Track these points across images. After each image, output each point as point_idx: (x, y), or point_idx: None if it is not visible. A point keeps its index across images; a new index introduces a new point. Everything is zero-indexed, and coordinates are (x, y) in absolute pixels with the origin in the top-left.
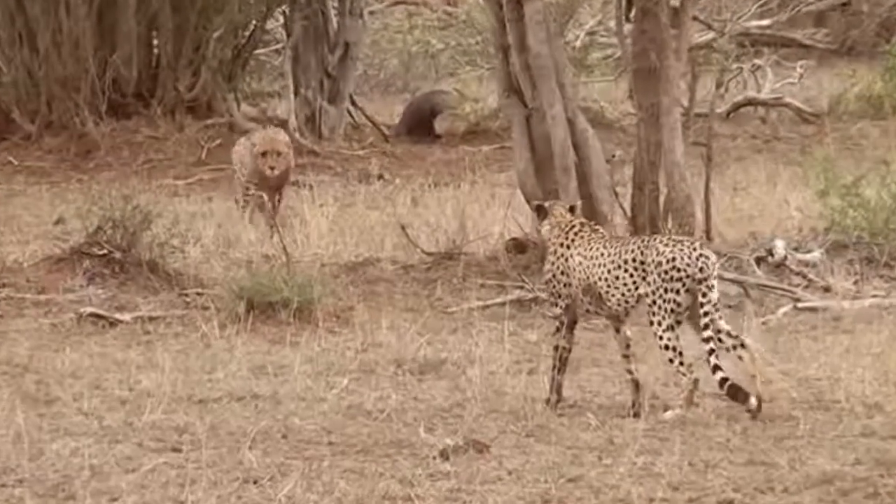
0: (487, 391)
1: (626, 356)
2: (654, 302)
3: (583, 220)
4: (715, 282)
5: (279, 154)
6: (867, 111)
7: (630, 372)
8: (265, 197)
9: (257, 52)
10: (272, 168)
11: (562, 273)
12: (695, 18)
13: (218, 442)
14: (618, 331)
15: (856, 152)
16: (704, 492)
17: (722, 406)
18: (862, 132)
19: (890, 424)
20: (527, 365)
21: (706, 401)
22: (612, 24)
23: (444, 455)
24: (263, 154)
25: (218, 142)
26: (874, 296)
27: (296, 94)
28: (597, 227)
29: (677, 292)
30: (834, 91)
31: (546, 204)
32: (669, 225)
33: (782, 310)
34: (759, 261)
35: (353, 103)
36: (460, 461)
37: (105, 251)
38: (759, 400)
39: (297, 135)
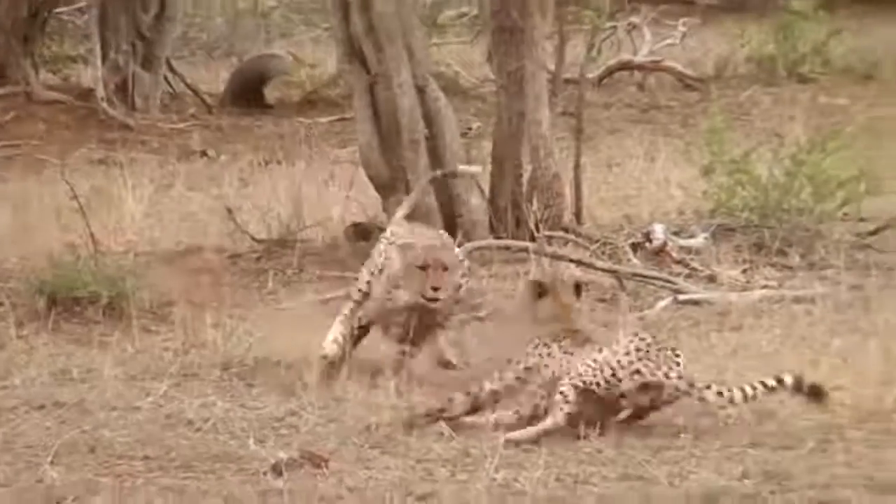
0: (326, 398)
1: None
2: None
3: None
4: None
5: (445, 270)
6: (758, 76)
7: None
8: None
9: (58, 10)
10: (435, 291)
11: None
12: None
13: (14, 456)
14: None
15: (745, 123)
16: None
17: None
18: (752, 100)
19: (782, 433)
20: (371, 368)
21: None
22: None
23: (276, 470)
24: (423, 268)
25: (12, 114)
26: (764, 287)
27: (103, 59)
28: None
29: None
30: (721, 53)
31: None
32: (534, 206)
33: (661, 303)
34: (635, 247)
35: (171, 69)
36: (295, 477)
37: None
38: None
39: (105, 105)
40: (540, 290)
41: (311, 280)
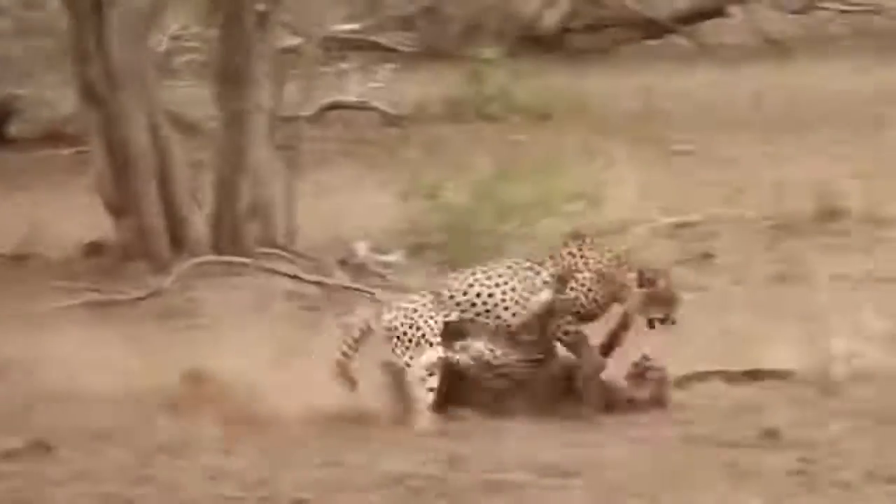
0: (57, 392)
1: None
2: None
3: None
4: None
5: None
6: (450, 115)
7: None
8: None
9: None
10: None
11: None
12: (281, 23)
13: None
14: None
15: (438, 156)
16: (277, 491)
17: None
18: (445, 136)
19: (460, 427)
20: (101, 364)
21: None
22: (197, 28)
23: (7, 456)
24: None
25: None
26: None
27: None
28: None
29: None
30: (418, 95)
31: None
32: (253, 228)
33: (361, 309)
34: (341, 263)
35: None
36: (25, 463)
37: None
38: None
39: None
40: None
41: (47, 291)
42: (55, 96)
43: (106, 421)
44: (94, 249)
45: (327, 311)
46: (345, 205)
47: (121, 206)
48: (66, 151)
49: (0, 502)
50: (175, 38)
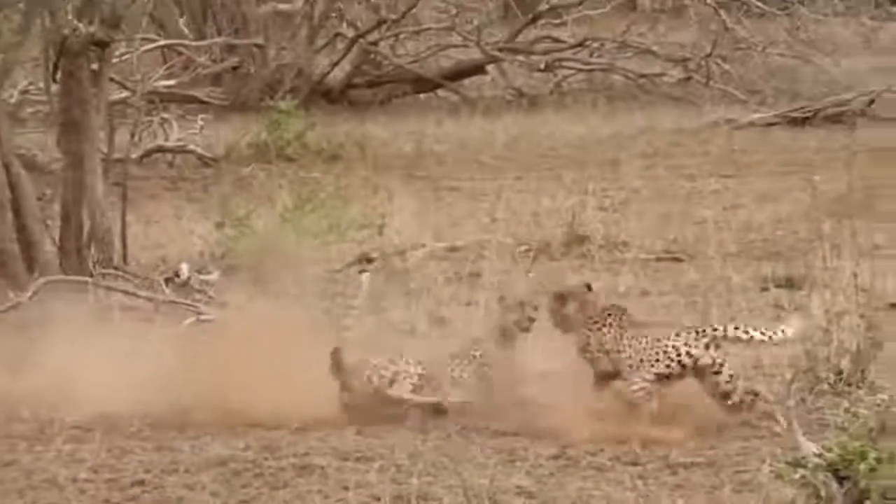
0: None
1: None
2: None
3: None
4: None
5: None
6: (256, 156)
7: None
8: None
9: None
10: None
11: None
12: (112, 79)
13: None
14: None
15: (247, 191)
16: (121, 473)
17: (135, 400)
18: (252, 174)
19: (275, 416)
20: None
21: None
22: (42, 83)
23: None
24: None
25: None
26: None
27: None
28: None
29: None
30: (229, 140)
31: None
32: (92, 251)
33: (187, 321)
34: (167, 281)
35: None
36: None
37: None
38: None
39: None
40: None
41: None
42: None
43: None
44: None
45: (156, 322)
46: (169, 232)
47: None
48: None
49: None
50: (24, 91)
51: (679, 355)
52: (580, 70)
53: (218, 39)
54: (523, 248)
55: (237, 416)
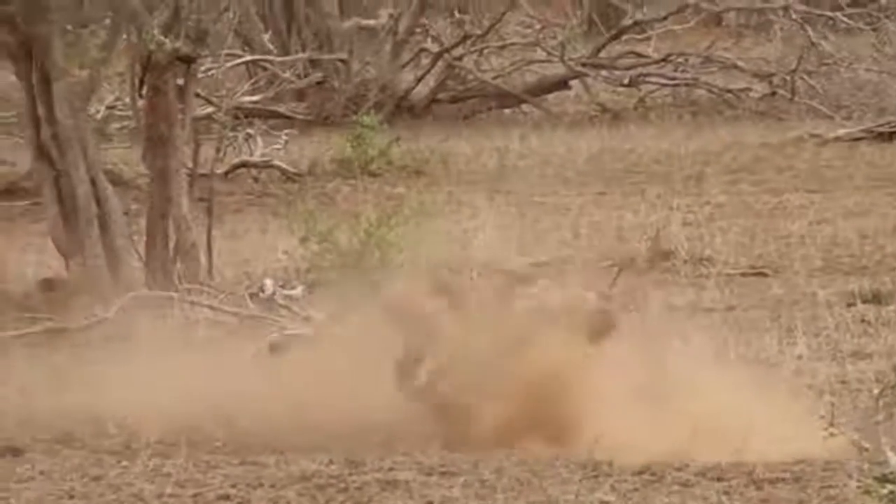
0: (21, 405)
1: None
2: None
3: None
4: None
5: None
6: (340, 171)
7: None
8: None
9: None
10: None
11: None
12: (197, 95)
13: None
14: None
15: (331, 206)
16: (206, 488)
17: (220, 415)
18: (336, 189)
19: (360, 431)
20: (57, 384)
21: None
22: (128, 99)
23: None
24: None
25: None
26: None
27: None
28: None
29: None
30: (312, 155)
31: None
32: (178, 267)
33: (272, 335)
34: (252, 296)
35: None
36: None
37: None
38: None
39: None
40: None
41: (10, 320)
42: (12, 157)
43: (65, 427)
44: (48, 285)
45: (241, 336)
46: (254, 247)
47: (69, 249)
48: (21, 203)
49: None
50: (110, 107)
51: None
52: (664, 85)
53: (302, 55)
54: (607, 263)
55: (322, 432)
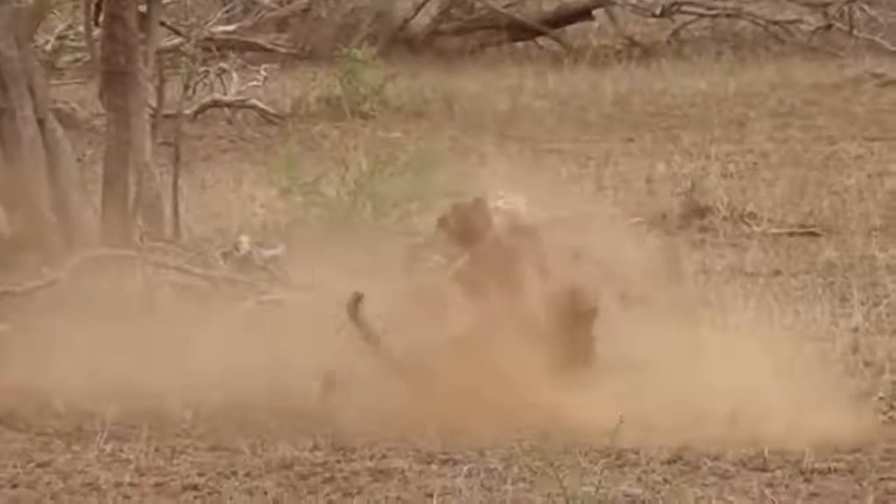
0: None
1: None
2: None
3: None
4: None
5: None
6: (327, 113)
7: None
8: None
9: None
10: None
11: None
12: (162, 24)
13: None
14: None
15: (316, 152)
16: (171, 476)
17: (187, 393)
18: (322, 133)
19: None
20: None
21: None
22: (82, 28)
23: None
24: None
25: None
26: None
27: None
28: None
29: None
30: (295, 93)
31: None
32: (140, 222)
33: (247, 302)
34: (225, 255)
35: None
36: None
37: None
38: None
39: None
40: None
41: None
42: None
43: (4, 407)
44: None
45: (212, 302)
46: (227, 200)
47: (13, 200)
48: None
49: None
50: (61, 37)
51: None
52: (702, 15)
53: None
54: (635, 220)
55: (305, 413)
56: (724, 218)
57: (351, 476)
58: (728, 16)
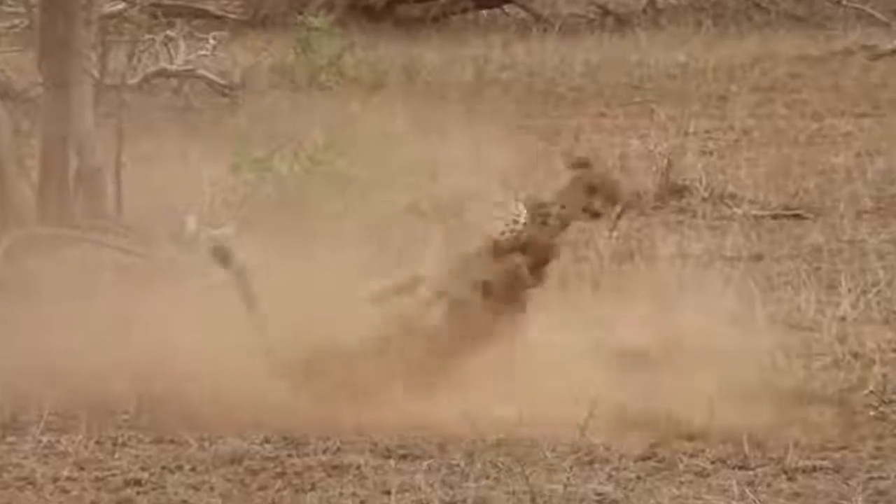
0: None
1: None
2: None
3: None
4: None
5: None
6: (281, 84)
7: None
8: None
9: None
10: None
11: None
12: None
13: None
14: None
15: (269, 126)
16: (112, 471)
17: (130, 381)
18: (275, 105)
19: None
20: None
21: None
22: None
23: None
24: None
25: None
26: None
27: None
28: None
29: None
30: (247, 63)
31: None
32: (79, 199)
33: (192, 284)
34: (170, 236)
35: None
36: None
37: None
38: None
39: None
40: None
41: None
42: None
43: None
44: None
45: (156, 285)
46: (173, 176)
47: None
48: None
49: None
50: None
51: None
52: None
53: None
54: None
55: (255, 403)
56: (703, 198)
57: (304, 471)
58: None
